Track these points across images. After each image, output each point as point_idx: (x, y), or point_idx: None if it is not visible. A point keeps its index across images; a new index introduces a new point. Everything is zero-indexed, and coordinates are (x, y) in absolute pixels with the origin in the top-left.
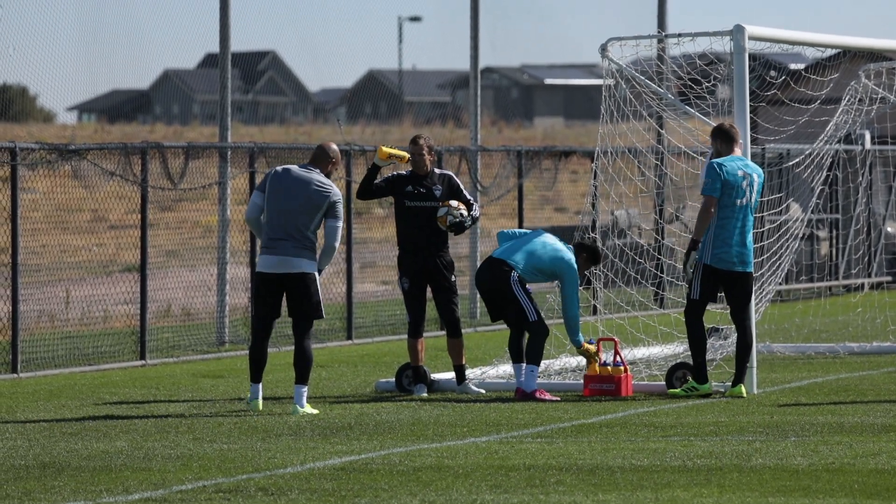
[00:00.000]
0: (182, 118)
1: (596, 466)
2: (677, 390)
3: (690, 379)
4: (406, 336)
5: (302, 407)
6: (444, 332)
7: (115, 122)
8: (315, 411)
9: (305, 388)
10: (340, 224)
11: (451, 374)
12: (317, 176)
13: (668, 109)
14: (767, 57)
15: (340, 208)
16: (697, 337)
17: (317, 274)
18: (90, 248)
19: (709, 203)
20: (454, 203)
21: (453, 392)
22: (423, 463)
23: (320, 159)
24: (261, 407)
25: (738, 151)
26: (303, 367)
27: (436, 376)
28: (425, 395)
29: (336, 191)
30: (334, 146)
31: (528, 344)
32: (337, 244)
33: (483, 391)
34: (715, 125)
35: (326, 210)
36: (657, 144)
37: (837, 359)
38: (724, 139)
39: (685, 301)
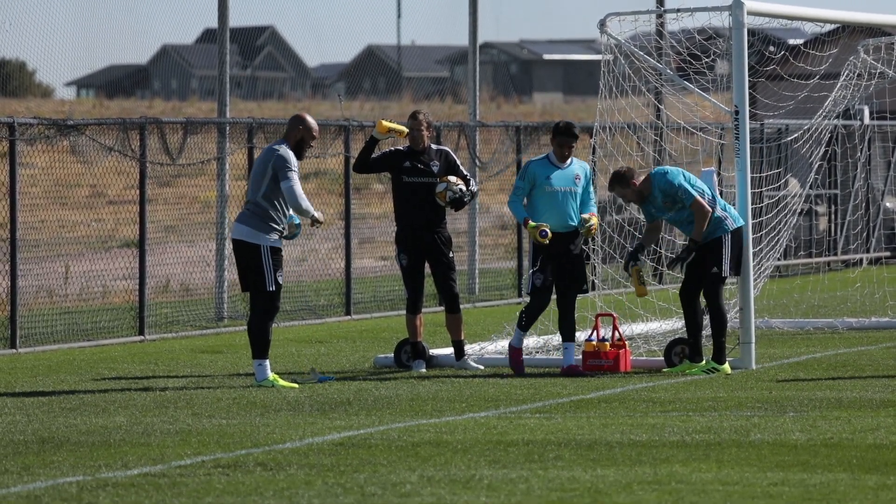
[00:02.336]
0: (180, 93)
1: (594, 442)
2: (695, 369)
3: (709, 360)
4: (405, 312)
5: (260, 381)
6: (442, 308)
7: (113, 97)
8: (292, 385)
9: (257, 362)
10: (291, 184)
11: (449, 350)
12: (274, 146)
13: (667, 85)
14: (766, 32)
15: (286, 169)
16: (723, 315)
17: (264, 244)
18: (89, 224)
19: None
20: (452, 178)
21: (452, 368)
22: (422, 438)
23: (288, 128)
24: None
25: None
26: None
27: (434, 352)
28: (424, 370)
29: (279, 151)
30: (307, 116)
31: None
32: (299, 204)
33: (481, 367)
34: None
35: (273, 173)
36: (656, 120)
37: (836, 334)
38: None
39: (711, 281)
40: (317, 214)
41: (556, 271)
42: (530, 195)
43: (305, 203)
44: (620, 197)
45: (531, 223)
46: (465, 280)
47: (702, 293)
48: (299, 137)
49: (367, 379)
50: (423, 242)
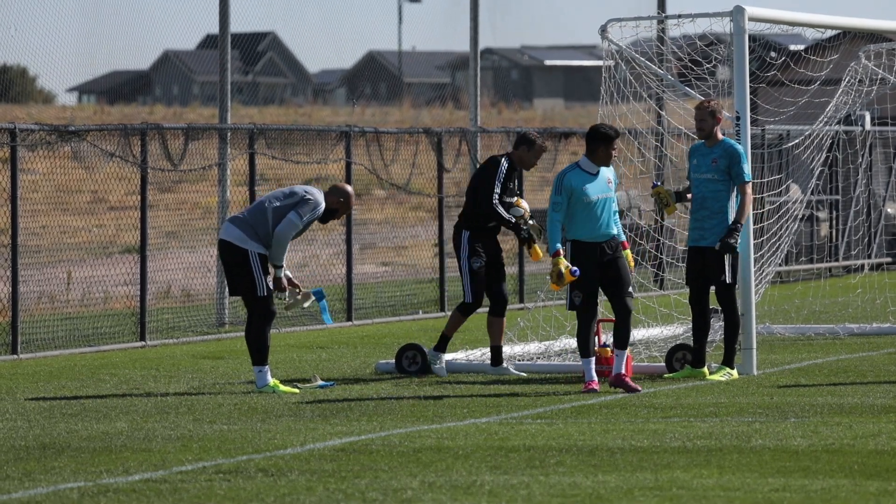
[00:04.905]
0: (182, 99)
1: (596, 447)
2: (717, 376)
3: (723, 365)
4: (454, 309)
5: (261, 386)
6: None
7: (114, 103)
8: (293, 390)
9: (257, 369)
10: (294, 223)
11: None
12: (316, 190)
13: (668, 91)
14: (767, 38)
15: (305, 211)
16: (738, 322)
17: (252, 250)
18: (90, 230)
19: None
20: (525, 204)
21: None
22: (423, 444)
23: (328, 193)
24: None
25: None
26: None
27: (447, 357)
28: (444, 365)
29: (316, 196)
30: (350, 192)
31: None
32: (283, 240)
33: (524, 374)
34: (708, 104)
35: (297, 201)
36: (657, 126)
37: (837, 340)
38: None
39: (720, 287)
40: (280, 275)
41: (602, 280)
42: (568, 207)
43: (285, 249)
44: (698, 118)
45: (563, 262)
46: None
47: (717, 300)
48: (335, 208)
49: (368, 384)
50: (492, 248)
